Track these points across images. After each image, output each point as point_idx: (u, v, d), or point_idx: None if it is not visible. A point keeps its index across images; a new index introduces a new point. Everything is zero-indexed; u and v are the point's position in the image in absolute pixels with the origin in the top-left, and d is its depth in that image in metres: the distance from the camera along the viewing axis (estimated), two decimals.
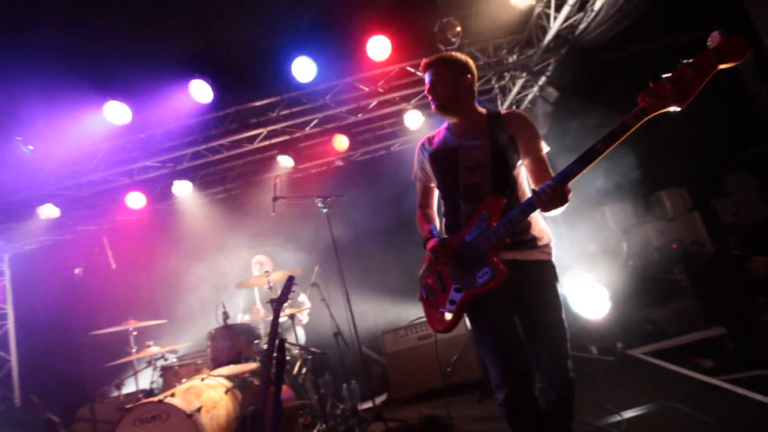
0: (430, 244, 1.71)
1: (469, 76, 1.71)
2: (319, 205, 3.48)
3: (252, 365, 3.16)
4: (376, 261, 4.63)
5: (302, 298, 4.02)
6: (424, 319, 3.84)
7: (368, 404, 3.79)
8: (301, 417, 3.13)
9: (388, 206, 4.71)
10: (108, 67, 3.53)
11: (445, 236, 1.77)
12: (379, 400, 3.82)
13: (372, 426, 3.20)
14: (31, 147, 3.62)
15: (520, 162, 1.70)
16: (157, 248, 4.88)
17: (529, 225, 1.66)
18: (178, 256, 4.74)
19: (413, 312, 4.36)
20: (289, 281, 2.44)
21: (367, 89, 4.09)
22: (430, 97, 1.73)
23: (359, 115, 4.38)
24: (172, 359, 3.79)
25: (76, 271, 3.64)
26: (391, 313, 4.48)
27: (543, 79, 4.34)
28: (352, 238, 4.35)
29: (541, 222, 1.72)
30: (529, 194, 1.71)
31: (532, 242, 1.65)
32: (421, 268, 1.86)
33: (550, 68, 4.28)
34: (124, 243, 4.41)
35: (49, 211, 4.63)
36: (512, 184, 1.67)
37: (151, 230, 5.08)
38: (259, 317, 3.82)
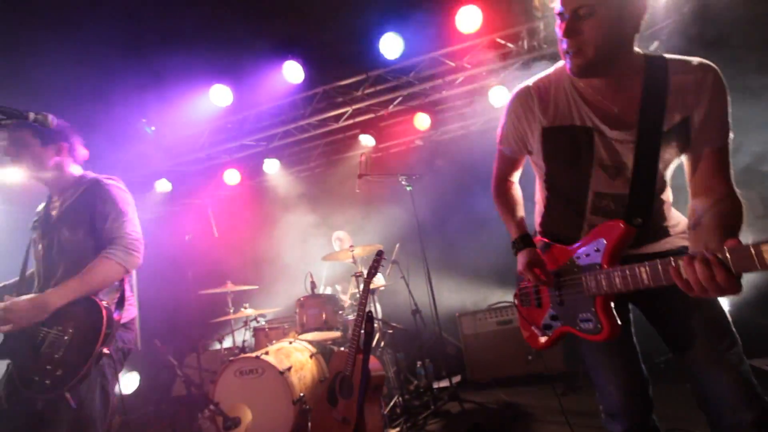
0: (524, 256, 1.31)
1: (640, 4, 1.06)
2: (403, 183, 3.49)
3: (336, 333, 3.33)
4: (456, 242, 4.54)
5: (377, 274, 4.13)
6: (505, 304, 3.79)
7: (443, 383, 3.82)
8: None
9: (468, 187, 4.57)
10: (213, 52, 3.86)
11: (543, 241, 1.36)
12: (454, 380, 3.80)
13: (447, 405, 3.20)
14: (153, 128, 4.12)
15: (678, 159, 1.18)
16: (252, 220, 5.33)
17: (661, 206, 1.22)
18: (269, 228, 5.12)
19: (492, 296, 4.24)
20: (379, 256, 2.49)
21: (453, 64, 3.95)
22: (571, 50, 1.09)
23: (443, 92, 4.26)
24: (262, 322, 4.16)
25: (187, 237, 4.13)
26: (468, 295, 4.40)
27: (655, 44, 3.81)
28: (432, 217, 4.30)
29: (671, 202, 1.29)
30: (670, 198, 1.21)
31: (667, 229, 1.23)
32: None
33: (665, 32, 3.73)
34: (224, 214, 4.87)
35: (163, 186, 5.29)
36: (655, 204, 1.19)
37: (246, 204, 5.55)
38: (339, 290, 4.02)
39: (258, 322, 3.98)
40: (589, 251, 1.18)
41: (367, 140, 4.88)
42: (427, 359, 3.86)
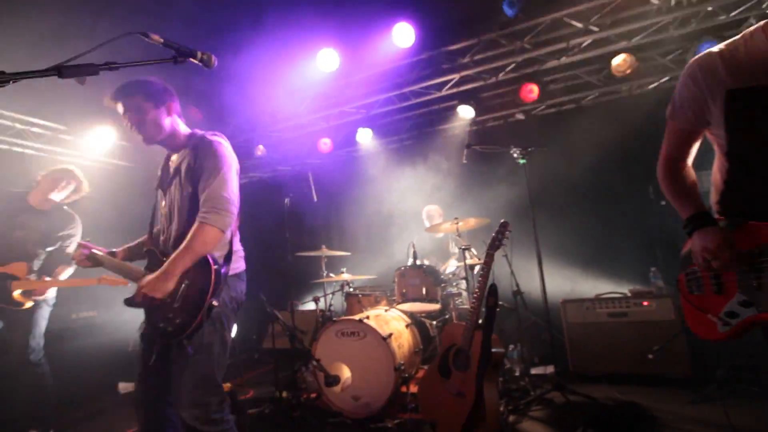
0: (707, 235, 1.18)
1: None
2: (515, 155, 3.24)
3: (434, 306, 3.27)
4: (565, 224, 4.20)
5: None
6: (617, 295, 3.44)
7: (536, 370, 3.63)
8: None
9: (579, 166, 4.18)
10: (322, 15, 3.82)
11: (728, 219, 1.21)
12: (548, 369, 3.58)
13: (550, 394, 3.01)
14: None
15: None
16: (343, 190, 5.41)
17: None
18: (359, 199, 5.17)
19: (601, 286, 3.89)
20: (503, 227, 2.33)
21: (580, 25, 3.52)
22: None
23: (562, 59, 3.85)
24: (352, 289, 4.24)
25: (286, 201, 4.28)
26: (574, 281, 4.09)
27: None
28: (542, 195, 4.00)
29: None
30: None
31: None
32: (686, 247, 1.37)
33: None
34: (322, 181, 4.99)
35: (262, 151, 5.54)
36: None
37: (338, 173, 5.64)
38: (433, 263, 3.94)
39: (350, 288, 4.06)
40: None
41: (465, 112, 4.64)
42: (518, 344, 3.68)
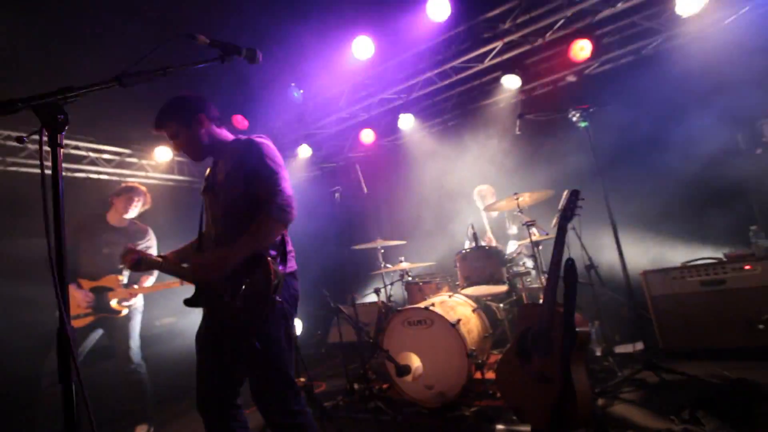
0: None
1: None
2: (575, 119, 2.98)
3: (502, 287, 3.12)
4: (640, 187, 3.82)
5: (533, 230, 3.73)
6: (710, 261, 3.07)
7: (620, 349, 3.35)
8: None
9: (648, 123, 3.77)
10: (352, 1, 3.75)
11: None
12: (638, 347, 3.28)
13: (641, 374, 2.75)
14: (301, 91, 4.30)
15: None
16: (392, 178, 5.36)
17: None
18: (409, 186, 5.09)
19: (683, 254, 3.50)
20: (574, 195, 2.13)
21: None
22: None
23: (618, 5, 3.47)
24: (410, 278, 4.18)
25: (336, 195, 4.30)
26: (654, 250, 3.72)
27: None
28: (610, 158, 3.67)
29: None
30: None
31: None
32: None
33: None
34: (369, 172, 4.95)
35: (305, 151, 5.61)
36: None
37: (385, 162, 5.59)
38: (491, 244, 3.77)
39: (409, 277, 4.00)
40: None
41: (510, 82, 4.37)
42: (596, 321, 3.41)
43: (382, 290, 4.05)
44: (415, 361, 2.91)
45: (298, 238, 1.90)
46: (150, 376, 3.26)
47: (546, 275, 3.18)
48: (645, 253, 3.74)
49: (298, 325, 5.17)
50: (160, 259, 1.90)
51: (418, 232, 4.80)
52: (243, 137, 1.81)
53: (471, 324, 3.06)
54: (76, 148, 4.54)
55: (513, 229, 4.10)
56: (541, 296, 2.99)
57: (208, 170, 1.91)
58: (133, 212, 3.27)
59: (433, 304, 2.96)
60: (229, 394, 1.73)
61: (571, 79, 4.59)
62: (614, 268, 3.69)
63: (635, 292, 3.32)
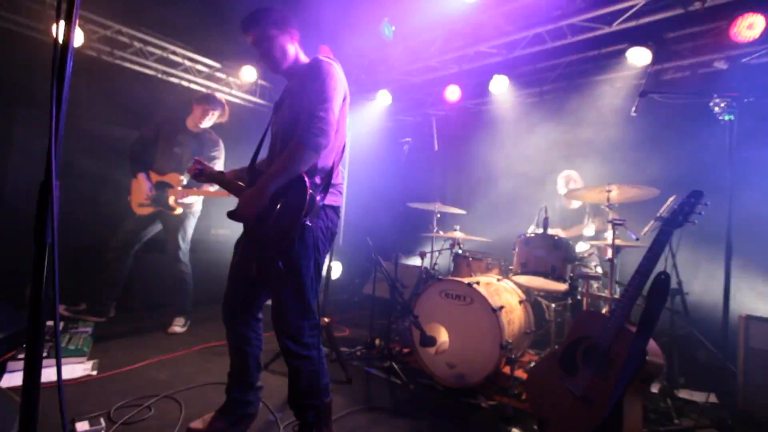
0: None
1: None
2: (717, 109, 2.35)
3: (561, 286, 2.74)
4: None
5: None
6: None
7: (683, 393, 2.84)
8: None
9: None
10: None
11: None
12: (711, 398, 2.75)
13: (706, 431, 2.29)
14: (393, 28, 3.96)
15: None
16: (473, 142, 4.94)
17: None
18: (486, 155, 4.66)
19: None
20: (695, 197, 1.68)
21: None
22: None
23: None
24: (460, 250, 3.89)
25: (405, 147, 4.05)
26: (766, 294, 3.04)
27: None
28: (750, 166, 2.96)
29: None
30: None
31: None
32: None
33: None
34: (445, 131, 4.61)
35: (384, 97, 5.34)
36: None
37: (471, 124, 5.16)
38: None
39: (459, 249, 3.72)
40: None
41: (638, 56, 3.63)
42: (664, 354, 2.90)
43: (429, 255, 3.84)
44: (443, 335, 2.72)
45: (357, 183, 1.79)
46: (195, 278, 3.47)
47: (620, 286, 2.74)
48: (757, 293, 3.05)
49: (338, 268, 5.19)
50: (219, 174, 1.95)
51: (481, 205, 4.42)
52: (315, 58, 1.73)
53: (513, 315, 2.76)
54: (174, 53, 4.73)
55: (590, 228, 3.58)
56: (607, 307, 2.58)
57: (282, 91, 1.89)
58: (207, 122, 3.36)
59: (477, 283, 2.69)
60: (251, 304, 1.81)
61: (721, 66, 3.68)
62: (706, 301, 3.10)
63: (731, 338, 2.74)
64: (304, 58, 1.83)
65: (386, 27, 4.02)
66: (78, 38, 3.75)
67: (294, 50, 1.79)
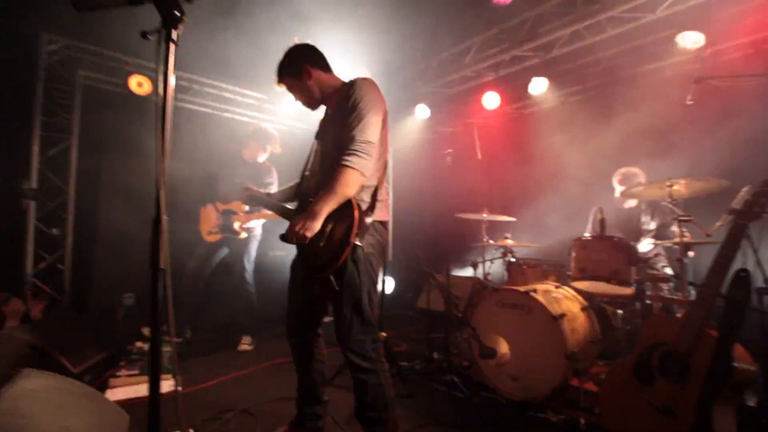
0: None
1: None
2: None
3: (625, 290, 2.60)
4: None
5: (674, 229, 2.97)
6: None
7: None
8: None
9: None
10: None
11: None
12: None
13: None
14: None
15: None
16: (513, 148, 4.87)
17: None
18: (531, 159, 4.56)
19: None
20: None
21: None
22: None
23: None
24: (511, 258, 3.80)
25: (448, 158, 4.07)
26: None
27: None
28: None
29: None
30: None
31: None
32: None
33: None
34: (487, 139, 4.59)
35: (421, 111, 5.41)
36: None
37: (507, 130, 5.10)
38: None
39: (512, 257, 3.64)
40: None
41: (689, 41, 3.43)
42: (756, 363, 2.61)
43: (480, 265, 3.79)
44: (503, 347, 2.67)
45: (403, 198, 1.86)
46: (258, 297, 3.71)
47: (694, 287, 2.54)
48: None
49: (390, 283, 5.26)
50: (266, 197, 2.10)
51: (530, 210, 4.30)
52: (350, 79, 1.80)
53: (577, 323, 2.64)
54: (226, 90, 5.15)
55: (651, 225, 3.36)
56: (681, 311, 2.41)
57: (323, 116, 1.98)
58: (262, 157, 3.70)
59: (535, 290, 2.62)
60: (311, 322, 1.90)
61: None
62: None
63: None
64: (336, 82, 1.86)
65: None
66: (147, 87, 4.22)
67: (320, 83, 1.83)
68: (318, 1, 3.43)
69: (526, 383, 2.50)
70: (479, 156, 3.68)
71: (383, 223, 1.77)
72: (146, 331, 3.50)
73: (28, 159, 3.77)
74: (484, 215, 3.70)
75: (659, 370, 1.69)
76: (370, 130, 1.61)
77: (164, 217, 0.87)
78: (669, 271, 2.84)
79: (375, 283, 1.72)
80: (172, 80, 0.95)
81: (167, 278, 0.88)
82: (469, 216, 3.83)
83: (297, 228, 1.59)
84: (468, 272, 4.44)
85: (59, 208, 4.00)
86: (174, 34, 0.94)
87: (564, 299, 2.77)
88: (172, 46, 0.93)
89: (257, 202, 2.11)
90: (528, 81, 4.46)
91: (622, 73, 4.20)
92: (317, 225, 1.57)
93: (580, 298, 2.90)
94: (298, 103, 1.92)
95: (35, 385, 1.41)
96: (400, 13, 3.70)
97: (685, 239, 2.33)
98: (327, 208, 1.57)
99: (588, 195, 3.91)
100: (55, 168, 3.98)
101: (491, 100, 4.86)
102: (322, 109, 1.95)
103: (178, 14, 0.94)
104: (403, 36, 4.13)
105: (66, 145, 4.05)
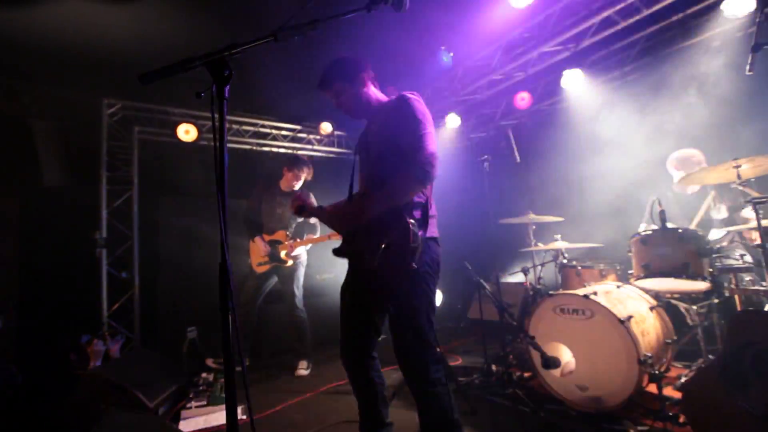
0: None
1: None
2: None
3: (698, 285, 2.38)
4: None
5: (747, 212, 2.68)
6: None
7: None
8: None
9: None
10: None
11: None
12: None
13: None
14: (451, 54, 4.06)
15: None
16: (553, 145, 4.70)
17: None
18: (577, 154, 4.37)
19: None
20: None
21: None
22: None
23: None
24: (564, 260, 3.61)
25: (485, 164, 3.99)
26: None
27: None
28: None
29: None
30: None
31: None
32: None
33: None
34: (522, 140, 4.47)
35: (453, 120, 5.38)
36: None
37: (548, 126, 4.94)
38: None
39: (564, 258, 3.47)
40: None
41: (737, 6, 3.18)
42: None
43: (531, 270, 3.64)
44: (566, 355, 2.52)
45: (443, 209, 1.83)
46: (310, 321, 3.78)
47: None
48: None
49: (439, 296, 5.17)
50: (318, 208, 2.01)
51: (579, 208, 4.10)
52: (395, 95, 1.80)
53: (647, 324, 2.45)
54: (263, 126, 5.43)
55: (721, 211, 3.06)
56: None
57: (362, 131, 1.97)
58: (298, 185, 3.83)
59: (595, 293, 2.48)
60: (366, 346, 1.85)
61: None
62: None
63: None
64: (381, 97, 1.88)
65: (444, 55, 4.13)
66: (194, 133, 4.55)
67: (369, 93, 1.85)
68: (340, 34, 3.55)
69: (597, 393, 2.34)
70: (518, 159, 3.56)
71: (435, 240, 1.74)
72: (210, 362, 3.66)
73: (98, 212, 4.17)
74: (529, 218, 3.58)
75: (754, 373, 1.51)
76: (429, 140, 1.59)
77: (229, 262, 0.93)
78: (749, 258, 2.56)
79: (432, 302, 1.68)
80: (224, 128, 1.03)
81: (236, 316, 0.94)
82: (513, 221, 3.71)
83: (339, 216, 1.59)
84: (518, 278, 4.28)
85: (126, 252, 4.36)
86: (225, 91, 1.02)
87: (628, 299, 2.59)
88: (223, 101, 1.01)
89: (309, 212, 1.98)
90: (559, 76, 4.32)
91: (664, 51, 3.95)
92: (362, 219, 1.56)
93: (646, 297, 2.70)
94: (329, 130, 1.93)
95: (120, 423, 1.51)
96: (420, 22, 3.72)
97: (763, 222, 2.11)
98: (378, 206, 1.55)
99: (639, 185, 3.66)
100: (120, 217, 4.35)
101: (523, 99, 4.76)
102: (354, 130, 1.97)
103: (226, 73, 1.01)
104: (427, 50, 4.17)
105: (128, 196, 4.44)
